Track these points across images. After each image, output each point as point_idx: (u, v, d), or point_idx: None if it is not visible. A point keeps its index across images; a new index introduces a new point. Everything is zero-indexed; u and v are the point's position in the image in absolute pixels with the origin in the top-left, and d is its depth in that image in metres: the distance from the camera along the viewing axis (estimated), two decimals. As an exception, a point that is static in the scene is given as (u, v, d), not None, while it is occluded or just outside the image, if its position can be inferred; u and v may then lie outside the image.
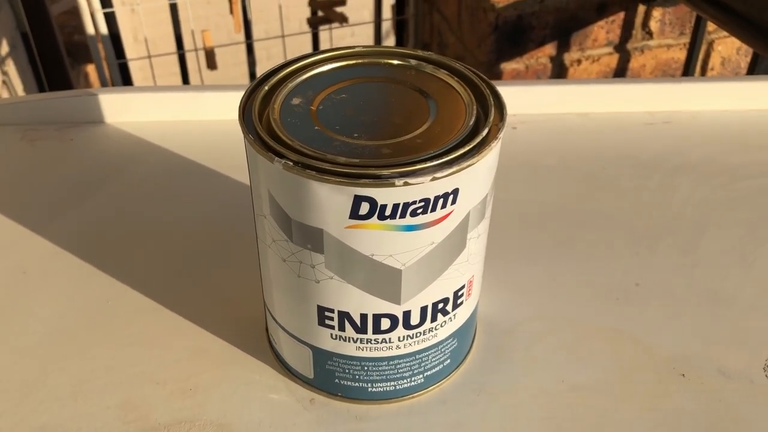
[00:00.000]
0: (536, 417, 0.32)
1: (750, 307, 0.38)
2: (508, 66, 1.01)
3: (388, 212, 0.26)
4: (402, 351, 0.31)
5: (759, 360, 0.35)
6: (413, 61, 0.31)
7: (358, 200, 0.26)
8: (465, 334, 0.33)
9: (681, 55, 1.08)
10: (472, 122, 0.28)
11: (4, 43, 1.30)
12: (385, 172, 0.25)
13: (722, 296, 0.38)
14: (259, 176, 0.28)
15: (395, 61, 0.32)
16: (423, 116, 0.28)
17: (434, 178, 0.26)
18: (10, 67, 1.35)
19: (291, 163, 0.26)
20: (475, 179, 0.27)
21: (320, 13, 1.25)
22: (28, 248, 0.41)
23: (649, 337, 0.36)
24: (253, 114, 0.28)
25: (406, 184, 0.25)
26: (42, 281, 0.39)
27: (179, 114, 0.51)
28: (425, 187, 0.26)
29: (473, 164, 0.26)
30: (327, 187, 0.26)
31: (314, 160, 0.26)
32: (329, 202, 0.26)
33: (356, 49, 0.32)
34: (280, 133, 0.27)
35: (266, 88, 0.30)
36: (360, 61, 0.32)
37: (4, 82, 1.32)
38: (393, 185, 0.25)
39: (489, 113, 0.28)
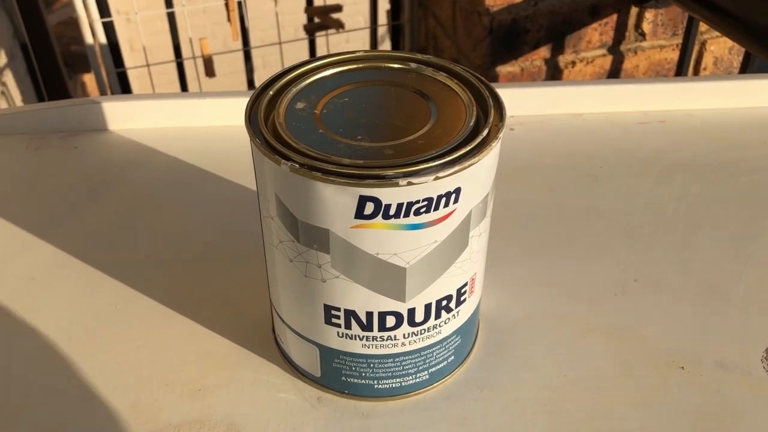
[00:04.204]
0: (538, 411, 0.33)
1: (746, 301, 0.38)
2: (503, 69, 1.02)
3: (392, 212, 0.27)
4: (407, 348, 0.32)
5: (756, 352, 0.36)
6: (413, 65, 0.32)
7: (363, 200, 0.26)
8: (468, 331, 0.34)
9: (674, 55, 1.09)
10: (472, 123, 0.29)
11: (2, 54, 1.31)
12: (389, 172, 0.26)
13: (719, 290, 0.39)
14: (265, 179, 0.29)
15: (395, 65, 0.32)
16: (424, 118, 0.29)
17: (437, 178, 0.26)
18: (9, 77, 1.35)
19: (297, 165, 0.26)
20: (476, 178, 0.28)
21: (316, 20, 1.26)
22: (35, 255, 0.42)
23: (649, 332, 0.37)
24: (259, 118, 0.29)
25: (409, 183, 0.26)
26: (50, 287, 0.40)
27: (181, 120, 0.52)
28: (428, 187, 0.26)
29: (475, 163, 0.27)
30: (332, 188, 0.26)
31: (319, 162, 0.26)
32: (335, 202, 0.27)
33: (357, 54, 0.33)
34: (286, 136, 0.28)
35: (271, 93, 0.30)
36: (361, 65, 0.32)
37: (2, 92, 1.33)
38: (397, 185, 0.26)
39: (489, 114, 0.29)
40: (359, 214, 0.27)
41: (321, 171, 0.26)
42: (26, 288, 0.40)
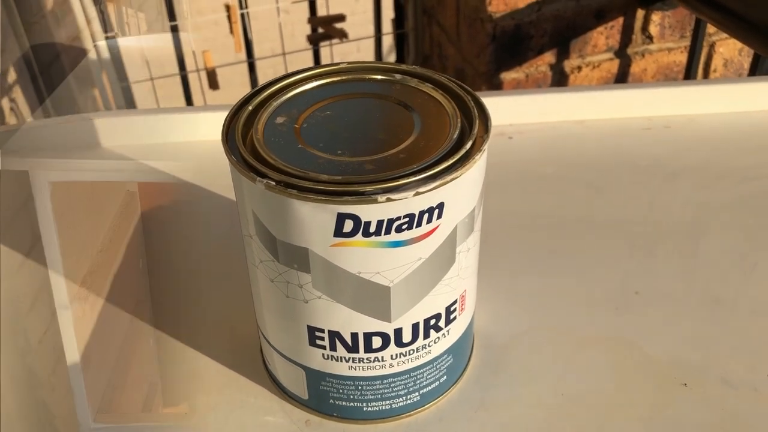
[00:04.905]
0: (535, 430, 0.32)
1: (752, 313, 0.37)
2: (508, 76, 1.01)
3: (372, 229, 0.26)
4: (396, 369, 0.31)
5: (763, 368, 0.34)
6: (397, 76, 0.31)
7: (341, 218, 0.25)
8: (461, 350, 0.33)
9: (682, 58, 1.07)
10: (456, 135, 0.27)
11: (12, 70, 1.32)
12: (368, 188, 0.25)
13: (724, 302, 0.38)
14: (243, 197, 0.28)
15: (379, 76, 0.31)
16: (407, 131, 0.28)
17: (417, 193, 0.25)
18: (18, 94, 1.36)
19: (273, 183, 0.26)
20: (460, 192, 0.27)
21: (320, 30, 1.26)
22: (21, 275, 0.41)
23: (650, 346, 0.35)
24: (237, 135, 0.28)
25: (389, 200, 0.25)
26: (34, 308, 0.39)
27: (172, 135, 0.51)
28: (409, 203, 0.25)
29: (458, 177, 0.26)
30: (309, 205, 0.25)
31: (296, 178, 0.26)
32: (313, 220, 0.26)
33: (341, 66, 0.32)
34: (263, 152, 0.27)
35: (250, 108, 0.29)
36: (344, 77, 0.31)
37: (12, 109, 1.33)
38: (376, 201, 0.25)
39: (474, 125, 0.28)
40: (338, 232, 0.26)
41: (297, 188, 0.25)
42: (10, 310, 0.39)
